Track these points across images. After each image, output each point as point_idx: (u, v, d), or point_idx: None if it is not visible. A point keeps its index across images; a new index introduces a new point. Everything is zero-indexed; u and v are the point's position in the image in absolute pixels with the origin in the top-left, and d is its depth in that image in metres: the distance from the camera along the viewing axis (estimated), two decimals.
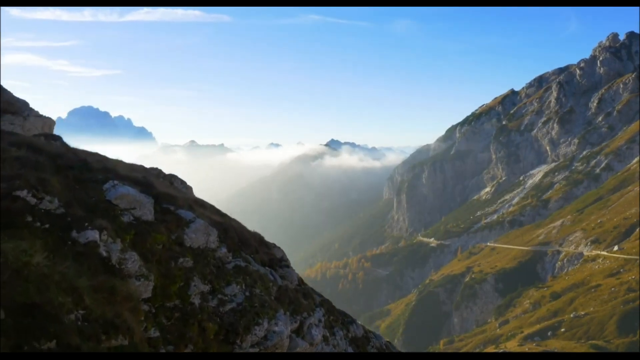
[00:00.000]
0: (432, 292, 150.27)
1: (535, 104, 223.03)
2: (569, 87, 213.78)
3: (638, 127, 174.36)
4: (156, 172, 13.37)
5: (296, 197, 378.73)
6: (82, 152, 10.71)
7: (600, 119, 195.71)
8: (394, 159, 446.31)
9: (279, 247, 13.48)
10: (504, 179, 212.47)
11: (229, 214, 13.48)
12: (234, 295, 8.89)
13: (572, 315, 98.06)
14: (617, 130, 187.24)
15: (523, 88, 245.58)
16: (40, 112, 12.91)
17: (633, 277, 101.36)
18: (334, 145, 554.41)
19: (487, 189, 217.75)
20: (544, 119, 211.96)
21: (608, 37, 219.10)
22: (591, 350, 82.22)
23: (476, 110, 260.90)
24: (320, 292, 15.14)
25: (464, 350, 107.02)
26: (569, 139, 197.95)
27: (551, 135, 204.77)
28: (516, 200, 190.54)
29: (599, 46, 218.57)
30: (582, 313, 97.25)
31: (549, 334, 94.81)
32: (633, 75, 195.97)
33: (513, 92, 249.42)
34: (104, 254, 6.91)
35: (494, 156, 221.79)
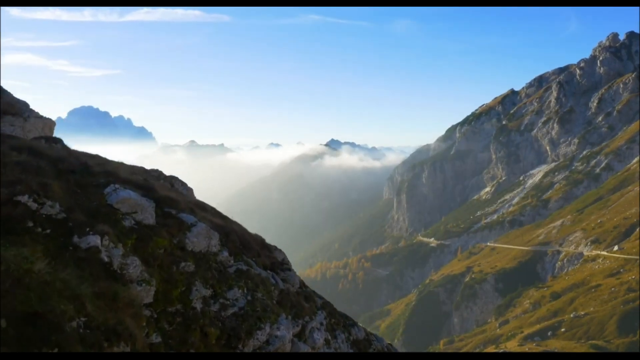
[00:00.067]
0: (432, 292, 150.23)
1: (535, 104, 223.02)
2: (569, 87, 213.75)
3: (638, 127, 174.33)
4: (157, 174, 13.34)
5: (296, 197, 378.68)
6: (83, 155, 10.67)
7: (600, 119, 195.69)
8: (394, 159, 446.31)
9: (280, 250, 13.45)
10: (504, 178, 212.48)
11: (229, 214, 13.46)
12: (235, 299, 8.85)
13: (572, 315, 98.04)
14: (617, 130, 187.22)
15: (523, 88, 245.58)
16: (40, 112, 12.89)
17: (633, 277, 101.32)
18: (334, 145, 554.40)
19: (487, 189, 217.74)
20: (544, 118, 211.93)
21: (608, 37, 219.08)
22: (591, 350, 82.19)
23: (476, 110, 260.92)
24: (320, 292, 15.11)
25: (464, 350, 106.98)
26: (569, 139, 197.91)
27: (551, 135, 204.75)
28: (516, 200, 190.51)
29: (599, 46, 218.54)
30: (582, 313, 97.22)
31: (549, 334, 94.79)
32: (633, 75, 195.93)
33: (513, 92, 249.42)
34: (106, 259, 6.87)
35: (494, 156, 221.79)
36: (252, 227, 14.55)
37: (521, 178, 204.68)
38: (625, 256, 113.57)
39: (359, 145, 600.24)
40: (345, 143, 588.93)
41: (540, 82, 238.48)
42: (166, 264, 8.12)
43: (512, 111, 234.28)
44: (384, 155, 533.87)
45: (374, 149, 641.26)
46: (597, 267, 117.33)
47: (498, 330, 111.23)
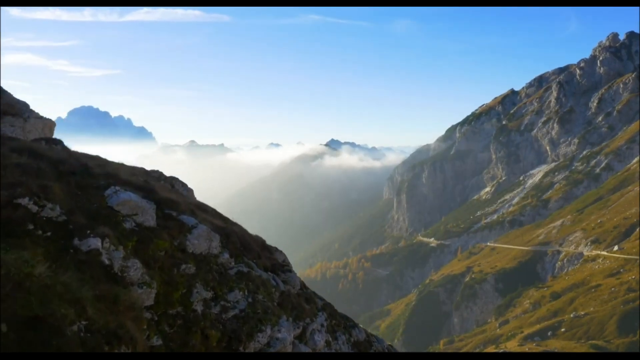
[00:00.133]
0: (432, 292, 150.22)
1: (535, 104, 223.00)
2: (569, 87, 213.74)
3: (638, 127, 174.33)
4: (157, 175, 13.31)
5: (296, 197, 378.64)
6: (84, 157, 10.64)
7: (600, 118, 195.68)
8: (394, 159, 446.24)
9: (280, 251, 13.42)
10: (504, 178, 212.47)
11: (229, 214, 13.44)
12: (236, 301, 8.82)
13: (572, 315, 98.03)
14: (617, 130, 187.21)
15: (523, 88, 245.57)
16: (40, 112, 12.88)
17: (633, 277, 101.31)
18: (334, 145, 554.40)
19: (487, 189, 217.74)
20: (544, 118, 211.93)
21: (608, 37, 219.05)
22: (591, 350, 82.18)
23: (476, 110, 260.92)
24: (321, 293, 15.10)
25: (464, 350, 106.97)
26: (569, 139, 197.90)
27: (551, 135, 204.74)
28: (516, 200, 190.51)
29: (599, 46, 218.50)
30: (582, 313, 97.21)
31: (549, 334, 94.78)
32: (633, 75, 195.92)
33: (513, 92, 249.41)
34: (106, 262, 6.85)
35: (494, 156, 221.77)
36: (252, 227, 14.54)
37: (521, 178, 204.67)
38: (625, 256, 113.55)
39: (359, 145, 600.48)
40: (345, 143, 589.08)
41: (540, 82, 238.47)
42: (167, 266, 8.10)
43: (512, 111, 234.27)
44: (384, 155, 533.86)
45: (374, 149, 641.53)
46: (597, 267, 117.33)
47: (498, 330, 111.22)
